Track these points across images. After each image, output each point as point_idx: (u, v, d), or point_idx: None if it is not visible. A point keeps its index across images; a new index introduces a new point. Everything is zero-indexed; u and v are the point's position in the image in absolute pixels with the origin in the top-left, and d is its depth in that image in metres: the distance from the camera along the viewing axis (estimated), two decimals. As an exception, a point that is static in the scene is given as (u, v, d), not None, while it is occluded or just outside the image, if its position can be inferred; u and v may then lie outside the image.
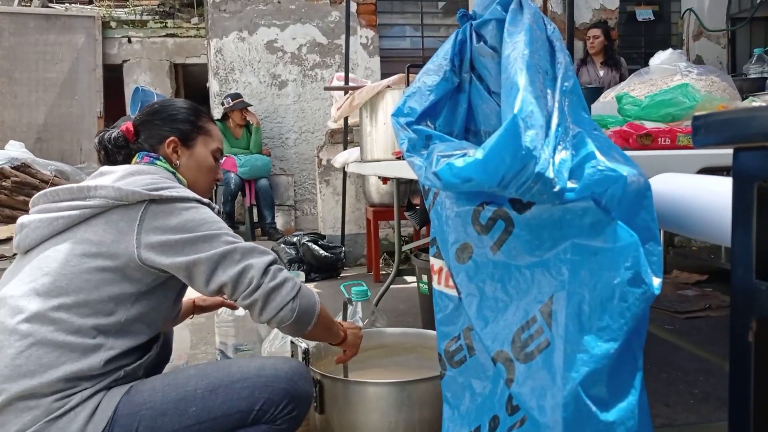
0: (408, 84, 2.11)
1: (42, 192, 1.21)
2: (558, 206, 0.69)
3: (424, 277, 2.49)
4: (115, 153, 1.32)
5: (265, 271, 1.13)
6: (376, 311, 2.09)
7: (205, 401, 1.11)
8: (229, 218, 4.83)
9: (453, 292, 0.84)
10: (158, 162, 1.29)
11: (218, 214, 1.23)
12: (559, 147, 0.68)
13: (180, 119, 1.34)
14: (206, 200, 1.22)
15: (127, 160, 1.32)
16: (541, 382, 0.67)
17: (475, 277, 0.75)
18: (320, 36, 5.40)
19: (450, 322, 0.86)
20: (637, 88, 1.26)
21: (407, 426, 1.41)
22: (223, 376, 1.15)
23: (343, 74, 4.08)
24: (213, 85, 5.36)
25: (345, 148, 4.03)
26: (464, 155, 0.68)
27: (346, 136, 4.08)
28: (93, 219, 1.13)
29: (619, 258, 0.66)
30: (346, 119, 4.05)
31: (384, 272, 4.06)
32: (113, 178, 1.18)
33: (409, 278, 3.97)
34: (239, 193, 4.86)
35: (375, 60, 5.47)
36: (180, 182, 1.29)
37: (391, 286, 2.98)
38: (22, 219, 1.20)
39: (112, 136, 1.33)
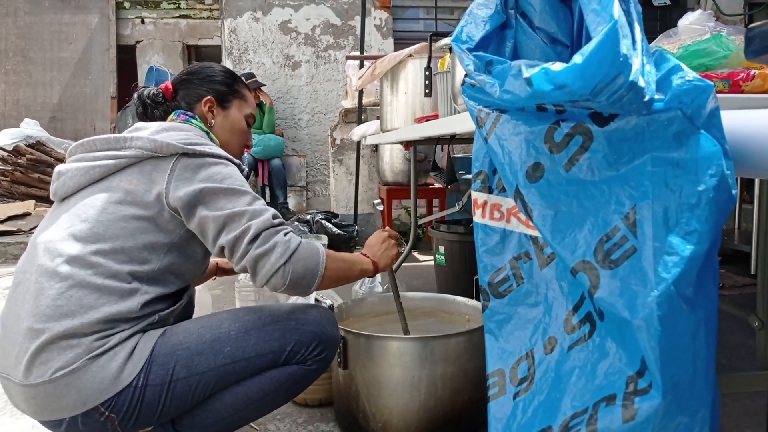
0: (430, 54, 2.11)
1: (79, 142, 1.24)
2: (642, 117, 0.71)
3: (441, 249, 2.52)
4: (152, 108, 1.35)
5: (255, 237, 1.09)
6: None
7: (239, 342, 1.14)
8: (242, 197, 4.85)
9: (498, 225, 0.86)
10: (193, 120, 1.32)
11: (246, 176, 1.26)
12: (645, 60, 0.70)
13: (218, 81, 1.38)
14: (237, 161, 1.25)
15: (164, 118, 1.35)
16: (630, 285, 0.70)
17: (549, 195, 0.78)
18: (334, 17, 5.40)
19: (494, 253, 0.88)
20: (668, 47, 1.27)
21: (429, 381, 1.43)
22: (255, 319, 1.18)
23: (355, 60, 4.09)
24: (226, 65, 5.37)
25: (359, 127, 4.04)
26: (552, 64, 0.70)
27: (361, 114, 4.09)
28: (128, 168, 1.17)
29: (704, 166, 0.69)
30: (360, 98, 4.06)
31: (396, 251, 4.09)
32: (148, 132, 1.20)
33: (421, 257, 4.00)
34: (252, 172, 4.89)
35: (388, 42, 5.47)
36: (213, 141, 1.32)
37: (404, 264, 3.01)
38: (60, 167, 1.23)
39: (151, 92, 1.36)
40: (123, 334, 1.09)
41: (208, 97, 1.35)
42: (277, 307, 1.23)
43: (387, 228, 1.43)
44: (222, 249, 1.11)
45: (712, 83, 0.70)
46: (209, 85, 1.36)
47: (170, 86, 1.37)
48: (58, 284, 1.08)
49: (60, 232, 1.13)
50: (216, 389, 1.15)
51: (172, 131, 1.21)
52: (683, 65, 0.72)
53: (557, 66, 0.69)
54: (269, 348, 1.15)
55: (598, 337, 0.74)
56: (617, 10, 0.68)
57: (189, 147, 1.16)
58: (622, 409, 0.69)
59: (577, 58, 0.67)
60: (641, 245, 0.70)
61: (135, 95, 1.38)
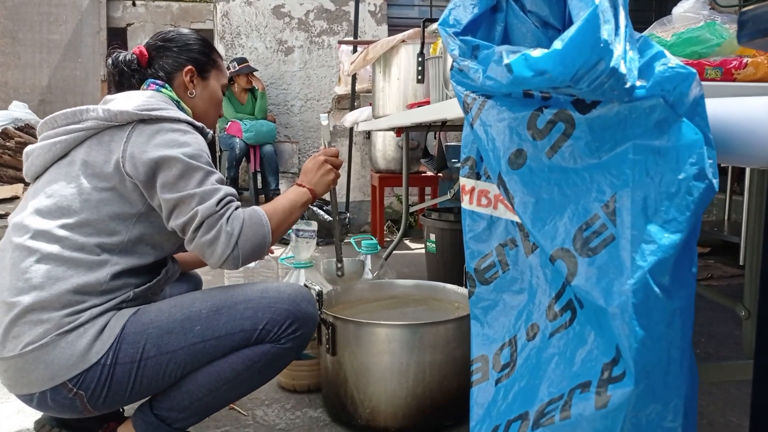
0: (423, 40, 2.09)
1: (44, 120, 1.23)
2: (624, 105, 0.71)
3: (432, 236, 2.52)
4: (129, 76, 1.32)
5: (200, 225, 1.11)
6: (385, 264, 2.11)
7: (210, 321, 1.13)
8: (234, 184, 4.83)
9: (485, 211, 0.86)
10: (163, 90, 1.29)
11: (212, 141, 1.25)
12: (628, 46, 0.70)
13: (196, 50, 1.35)
14: (199, 124, 1.23)
15: (140, 86, 1.32)
16: (607, 273, 0.70)
17: (531, 182, 0.77)
18: (328, 2, 5.33)
19: (481, 240, 0.88)
20: (662, 35, 1.26)
21: (418, 368, 1.44)
22: (227, 298, 1.17)
23: (348, 45, 4.05)
24: (219, 50, 5.31)
25: (352, 114, 4.01)
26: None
27: (354, 100, 4.06)
28: (87, 141, 1.17)
29: (685, 154, 0.69)
30: (353, 84, 4.03)
31: (388, 239, 4.09)
32: (110, 103, 1.20)
33: (412, 244, 4.00)
34: (244, 158, 4.86)
35: (383, 28, 5.41)
36: (184, 111, 1.29)
37: (395, 252, 3.00)
38: (28, 148, 1.23)
39: (126, 58, 1.32)
40: (94, 310, 1.09)
41: (189, 67, 1.32)
42: (250, 286, 1.21)
43: (325, 149, 1.40)
44: (174, 230, 1.14)
45: (694, 71, 0.70)
46: (188, 53, 1.33)
47: (145, 52, 1.33)
48: (27, 258, 1.09)
49: (29, 210, 1.15)
50: (188, 369, 1.14)
51: (134, 99, 1.20)
52: (667, 52, 0.71)
53: (537, 52, 0.68)
54: (240, 327, 1.14)
55: (578, 324, 0.74)
56: None
57: (144, 113, 1.15)
58: (596, 396, 0.69)
59: (557, 44, 0.66)
60: (619, 233, 0.70)
61: (109, 61, 1.34)
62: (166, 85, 1.30)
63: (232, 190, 1.18)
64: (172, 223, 1.13)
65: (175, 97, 1.30)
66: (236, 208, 1.16)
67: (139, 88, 1.31)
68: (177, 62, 1.32)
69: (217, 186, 1.14)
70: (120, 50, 1.35)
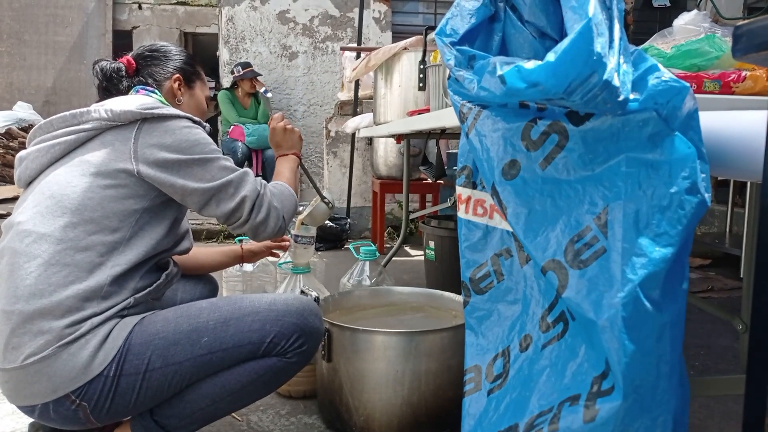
0: (425, 48, 2.10)
1: (37, 125, 1.23)
2: (617, 117, 0.70)
3: (431, 244, 2.51)
4: (117, 83, 1.34)
5: (252, 208, 1.24)
6: (383, 271, 2.10)
7: (217, 332, 1.13)
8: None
9: (481, 220, 0.86)
10: (153, 94, 1.31)
11: (208, 134, 1.28)
12: (621, 59, 0.70)
13: (182, 60, 1.41)
14: (197, 119, 1.25)
15: (128, 92, 1.33)
16: (597, 286, 0.70)
17: (524, 193, 0.77)
18: (333, 8, 5.36)
19: (477, 249, 0.88)
20: (662, 47, 1.26)
21: (413, 376, 1.43)
22: (235, 310, 1.16)
23: (351, 51, 4.06)
24: (223, 54, 5.34)
25: (354, 120, 4.01)
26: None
27: (356, 107, 4.07)
28: (89, 142, 1.17)
29: (677, 168, 0.69)
30: (356, 90, 4.04)
31: (388, 245, 4.08)
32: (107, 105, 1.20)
33: (412, 251, 3.99)
34: (246, 162, 4.87)
35: (387, 35, 5.44)
36: None
37: (395, 258, 3.00)
38: (21, 153, 1.21)
39: (113, 66, 1.34)
40: (95, 320, 1.07)
41: (177, 75, 1.37)
42: (258, 297, 1.21)
43: (274, 117, 1.55)
44: (212, 216, 1.23)
45: (688, 84, 0.70)
46: (174, 63, 1.39)
47: (132, 61, 1.36)
48: (26, 264, 1.07)
49: (27, 213, 1.12)
50: (193, 380, 1.13)
51: (133, 100, 1.21)
52: (661, 66, 0.71)
53: (530, 64, 0.68)
54: (248, 339, 1.14)
55: (569, 337, 0.74)
56: (593, 8, 0.67)
57: (147, 111, 1.16)
58: (584, 410, 0.68)
59: (550, 56, 0.66)
60: (611, 246, 0.70)
61: (97, 68, 1.35)
62: (156, 91, 1.33)
63: (249, 169, 1.29)
64: (213, 211, 1.21)
65: (166, 102, 1.32)
66: (267, 185, 1.30)
67: (127, 95, 1.32)
68: (165, 70, 1.36)
69: (242, 170, 1.25)
70: (106, 60, 1.37)
